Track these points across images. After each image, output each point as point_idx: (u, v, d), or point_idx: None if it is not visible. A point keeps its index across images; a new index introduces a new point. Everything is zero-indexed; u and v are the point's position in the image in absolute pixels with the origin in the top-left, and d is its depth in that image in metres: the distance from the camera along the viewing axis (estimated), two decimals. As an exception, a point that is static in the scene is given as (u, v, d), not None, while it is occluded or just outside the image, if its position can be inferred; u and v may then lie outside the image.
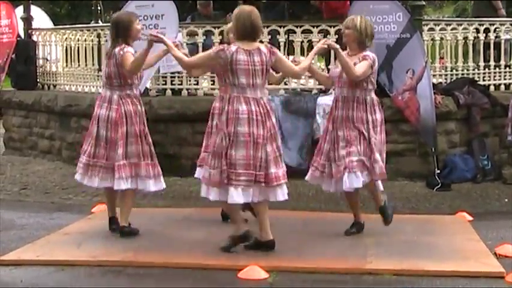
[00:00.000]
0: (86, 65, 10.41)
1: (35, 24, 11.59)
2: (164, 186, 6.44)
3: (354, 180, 6.01)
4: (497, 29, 9.74)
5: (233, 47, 5.69)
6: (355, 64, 6.04)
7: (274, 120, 5.80)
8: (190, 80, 9.41)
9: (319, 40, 9.07)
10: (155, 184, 6.37)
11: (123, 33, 6.25)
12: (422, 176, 8.59)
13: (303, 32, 9.21)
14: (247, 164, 5.57)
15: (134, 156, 6.25)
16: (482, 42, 9.71)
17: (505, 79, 9.88)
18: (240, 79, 5.64)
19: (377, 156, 6.05)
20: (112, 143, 6.22)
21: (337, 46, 6.12)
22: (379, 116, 6.18)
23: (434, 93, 8.70)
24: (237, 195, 5.57)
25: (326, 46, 6.13)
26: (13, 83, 11.47)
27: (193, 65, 6.09)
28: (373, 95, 6.21)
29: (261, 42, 8.85)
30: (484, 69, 9.75)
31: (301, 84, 9.32)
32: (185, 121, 8.94)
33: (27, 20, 11.39)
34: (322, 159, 6.26)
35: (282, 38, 9.12)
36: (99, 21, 14.00)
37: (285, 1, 11.63)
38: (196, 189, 6.70)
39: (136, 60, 6.12)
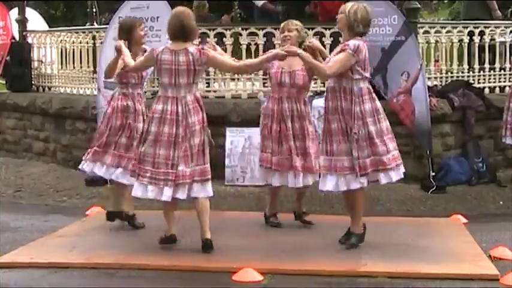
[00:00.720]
0: (81, 67, 10.40)
1: (29, 26, 11.56)
2: (131, 182, 6.18)
3: (327, 182, 5.90)
4: (491, 32, 9.76)
5: (161, 48, 5.85)
6: (338, 53, 5.83)
7: (197, 118, 5.75)
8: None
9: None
10: (122, 174, 6.38)
11: (125, 37, 6.40)
12: (417, 179, 8.57)
13: (298, 34, 9.17)
14: (152, 161, 5.70)
15: (109, 145, 6.41)
16: (477, 44, 9.73)
17: (499, 81, 9.88)
18: (163, 78, 5.78)
19: (359, 154, 5.77)
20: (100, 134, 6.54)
21: (298, 50, 5.95)
22: (368, 106, 5.79)
23: (429, 95, 8.70)
24: (137, 189, 5.79)
25: (284, 52, 5.91)
26: (8, 85, 11.46)
27: (138, 68, 6.23)
28: (362, 84, 5.80)
29: (256, 44, 9.04)
30: (479, 71, 9.76)
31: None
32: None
33: (22, 22, 11.37)
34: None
35: (277, 40, 9.09)
36: (95, 23, 13.92)
37: (280, 1, 11.61)
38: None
39: (107, 65, 6.46)
